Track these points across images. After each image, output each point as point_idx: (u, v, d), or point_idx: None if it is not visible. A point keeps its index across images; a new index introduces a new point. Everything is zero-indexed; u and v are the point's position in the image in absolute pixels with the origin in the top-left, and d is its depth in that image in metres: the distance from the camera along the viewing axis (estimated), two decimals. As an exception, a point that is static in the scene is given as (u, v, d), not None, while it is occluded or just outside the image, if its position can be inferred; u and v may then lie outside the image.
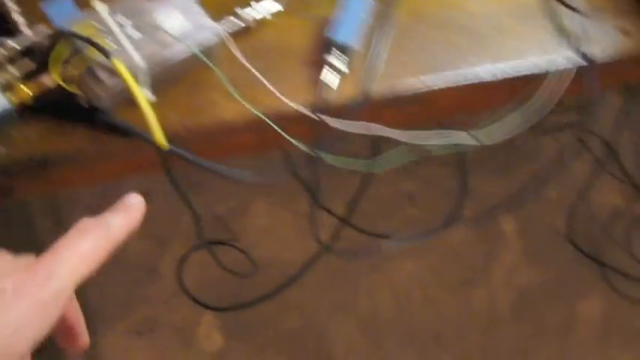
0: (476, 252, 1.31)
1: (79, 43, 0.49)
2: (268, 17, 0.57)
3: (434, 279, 1.28)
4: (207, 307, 1.17)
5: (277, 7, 0.57)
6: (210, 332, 1.17)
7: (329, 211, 1.28)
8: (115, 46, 0.50)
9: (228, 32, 0.55)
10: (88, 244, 0.37)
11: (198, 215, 0.72)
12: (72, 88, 0.50)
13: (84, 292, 1.05)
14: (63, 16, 0.52)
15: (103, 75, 0.49)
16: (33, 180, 0.54)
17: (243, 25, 0.56)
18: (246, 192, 1.30)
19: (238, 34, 0.56)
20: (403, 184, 1.35)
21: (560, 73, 0.59)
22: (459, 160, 1.35)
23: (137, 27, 0.51)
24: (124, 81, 0.48)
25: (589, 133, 1.38)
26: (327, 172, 1.29)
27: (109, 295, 1.17)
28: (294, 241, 1.27)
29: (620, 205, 1.39)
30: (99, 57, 0.49)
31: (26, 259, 0.37)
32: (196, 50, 0.51)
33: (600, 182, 1.40)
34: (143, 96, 0.48)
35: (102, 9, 0.51)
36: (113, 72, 0.49)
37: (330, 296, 1.23)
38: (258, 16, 0.56)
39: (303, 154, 0.55)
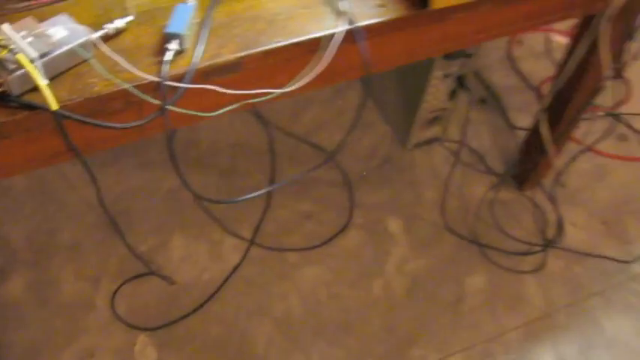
0: (369, 251, 1.57)
1: (-8, 49, 0.76)
2: (123, 26, 0.85)
3: (336, 278, 1.53)
4: (139, 328, 1.40)
5: (130, 18, 0.86)
6: (144, 350, 1.39)
7: (239, 236, 1.55)
8: (17, 49, 0.77)
9: (99, 37, 0.83)
10: None
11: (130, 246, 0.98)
12: (-10, 81, 0.77)
13: (29, 326, 1.30)
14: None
15: (10, 66, 0.76)
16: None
17: (108, 32, 0.84)
18: (164, 230, 1.55)
19: (107, 39, 0.84)
20: (300, 205, 1.62)
21: (335, 35, 0.88)
22: (346, 179, 1.64)
23: (33, 36, 0.79)
24: (25, 69, 0.75)
25: (454, 142, 1.70)
26: (234, 205, 1.55)
27: (52, 329, 1.39)
28: (210, 265, 1.52)
29: (486, 194, 1.68)
30: (7, 55, 0.76)
31: None
32: (74, 45, 0.79)
33: (468, 179, 1.70)
34: (39, 76, 0.76)
35: (7, 27, 0.79)
36: (18, 64, 0.76)
37: (247, 305, 1.46)
38: (120, 25, 0.85)
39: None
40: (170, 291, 1.46)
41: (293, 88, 0.89)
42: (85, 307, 1.42)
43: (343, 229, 1.60)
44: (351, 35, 0.91)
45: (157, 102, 0.81)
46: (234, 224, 1.58)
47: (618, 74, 1.87)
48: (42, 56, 0.77)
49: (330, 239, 1.58)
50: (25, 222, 1.53)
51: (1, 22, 0.78)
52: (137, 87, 0.81)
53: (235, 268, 1.50)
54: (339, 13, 0.91)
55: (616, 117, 1.91)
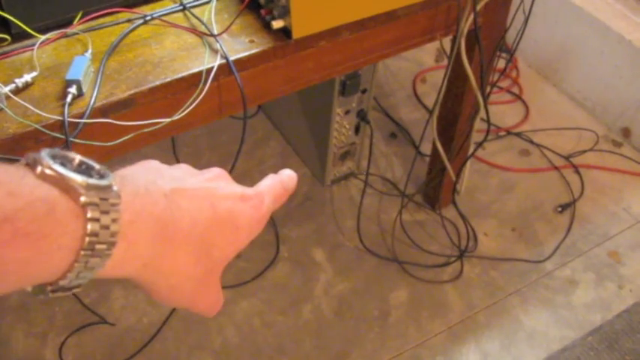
0: (297, 280, 1.75)
1: None
2: (30, 80, 1.05)
3: (267, 308, 1.69)
4: (87, 374, 1.54)
5: (36, 73, 1.06)
6: (93, 393, 1.53)
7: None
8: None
9: (9, 90, 1.02)
10: (278, 190, 0.55)
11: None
12: None
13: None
14: None
15: None
16: None
17: (18, 85, 1.04)
18: (105, 283, 1.71)
19: (17, 92, 1.04)
20: (229, 247, 1.80)
21: (211, 69, 1.08)
22: (270, 219, 1.83)
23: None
24: (-53, 118, 0.94)
25: (368, 174, 1.90)
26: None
27: (3, 385, 1.53)
28: (149, 309, 1.68)
29: (401, 217, 1.88)
30: None
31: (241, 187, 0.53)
32: (-13, 98, 0.98)
33: (385, 205, 1.90)
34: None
35: None
36: (-59, 116, 0.95)
37: (187, 341, 1.62)
38: (27, 79, 1.04)
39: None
40: (114, 337, 1.61)
41: (179, 116, 1.09)
42: (35, 361, 1.57)
43: (271, 264, 1.78)
44: (227, 69, 1.11)
45: (61, 136, 1.00)
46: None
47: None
48: (-39, 108, 0.96)
49: (260, 274, 1.76)
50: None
51: None
52: (45, 126, 1.00)
53: (173, 310, 1.66)
54: (215, 51, 1.12)
55: (518, 135, 2.15)
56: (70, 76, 1.03)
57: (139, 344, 1.61)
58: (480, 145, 1.68)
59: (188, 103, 1.10)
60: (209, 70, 1.10)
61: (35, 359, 1.57)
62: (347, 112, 1.78)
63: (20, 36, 1.12)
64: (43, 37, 1.12)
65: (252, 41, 1.15)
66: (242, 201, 0.50)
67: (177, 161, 1.88)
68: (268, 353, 1.62)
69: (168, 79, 1.08)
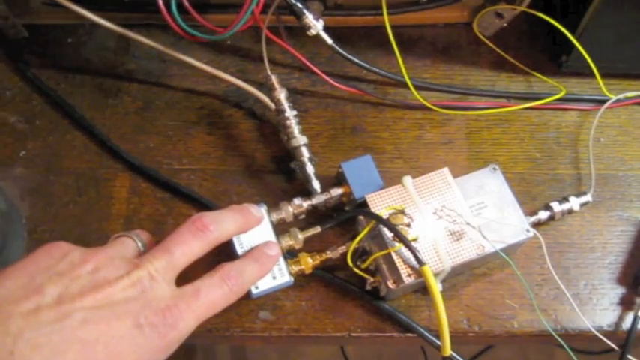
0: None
1: (384, 229, 0.43)
2: (576, 209, 0.49)
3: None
4: None
5: (587, 199, 0.49)
6: None
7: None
8: (418, 235, 0.43)
9: (534, 223, 0.47)
10: (220, 296, 0.37)
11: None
12: (360, 271, 0.44)
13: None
14: (362, 182, 0.46)
15: (403, 272, 0.43)
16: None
17: (550, 215, 0.48)
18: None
19: (540, 224, 0.49)
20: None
21: None
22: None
23: (442, 214, 0.45)
24: (427, 286, 0.42)
25: None
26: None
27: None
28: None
29: None
30: (402, 250, 0.43)
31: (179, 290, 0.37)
32: (499, 250, 0.44)
33: None
34: (442, 304, 0.42)
35: (411, 188, 0.45)
36: (415, 270, 0.43)
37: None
38: (567, 207, 0.49)
39: None
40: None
41: None
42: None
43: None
44: None
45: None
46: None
47: None
48: (451, 263, 0.44)
49: None
50: None
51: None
52: (569, 337, 0.46)
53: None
54: None
55: None
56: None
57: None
58: None
59: None
60: None
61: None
62: None
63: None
64: (613, 97, 0.54)
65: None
66: (138, 330, 0.33)
67: None
68: None
69: None
